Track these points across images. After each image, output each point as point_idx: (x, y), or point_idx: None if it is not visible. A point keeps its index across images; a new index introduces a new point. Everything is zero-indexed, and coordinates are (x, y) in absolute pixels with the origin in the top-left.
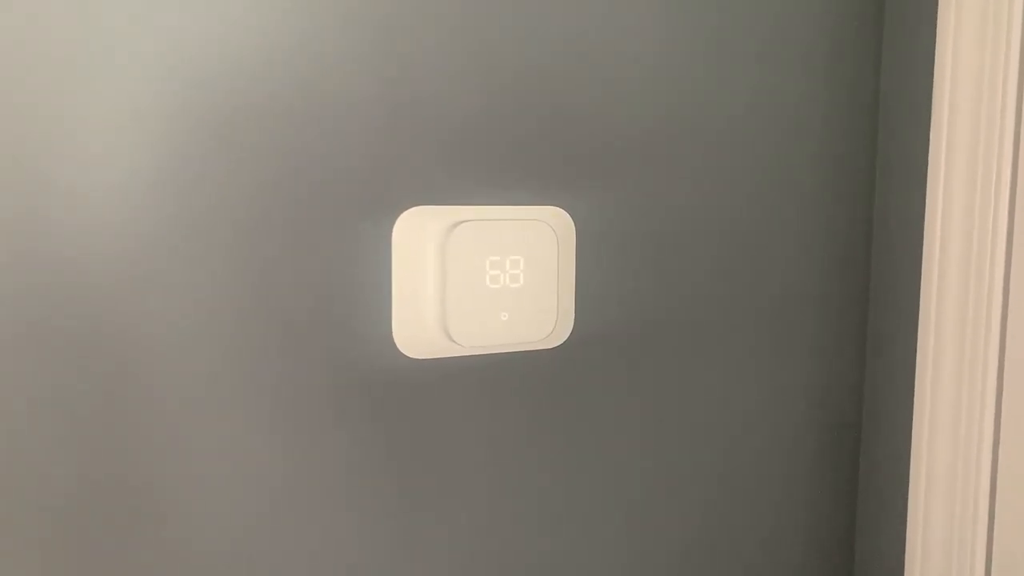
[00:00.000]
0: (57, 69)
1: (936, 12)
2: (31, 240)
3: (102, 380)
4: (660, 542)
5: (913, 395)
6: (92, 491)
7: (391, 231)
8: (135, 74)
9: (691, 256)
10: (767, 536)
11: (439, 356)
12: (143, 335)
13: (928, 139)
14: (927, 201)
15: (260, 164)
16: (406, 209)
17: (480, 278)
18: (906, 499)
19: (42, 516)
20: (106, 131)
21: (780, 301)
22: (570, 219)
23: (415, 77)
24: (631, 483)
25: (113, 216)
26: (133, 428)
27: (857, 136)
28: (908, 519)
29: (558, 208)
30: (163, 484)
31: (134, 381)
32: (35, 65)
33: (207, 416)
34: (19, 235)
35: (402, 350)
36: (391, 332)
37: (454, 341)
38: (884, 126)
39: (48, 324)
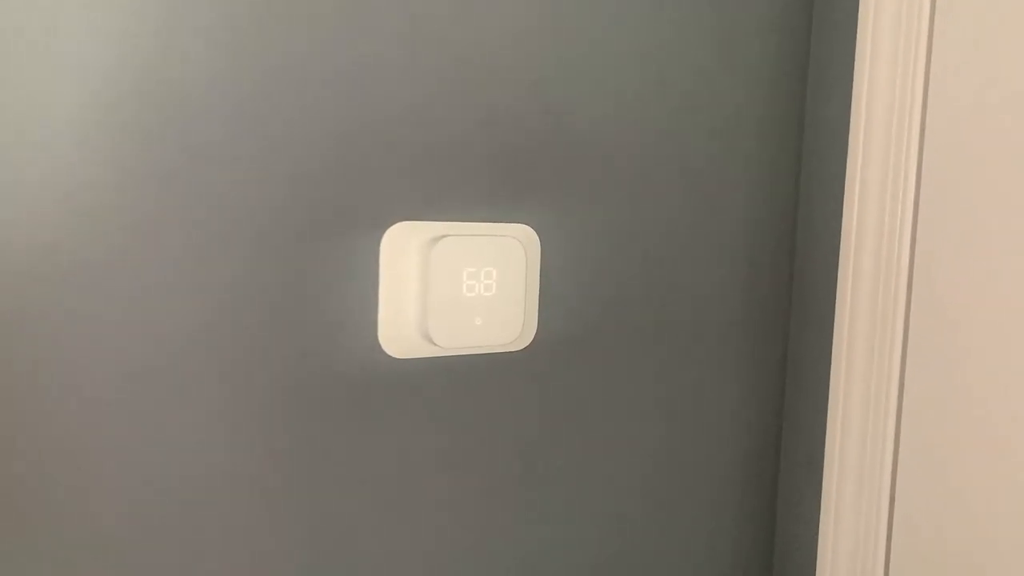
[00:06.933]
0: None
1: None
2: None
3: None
4: (589, 530)
5: (827, 401)
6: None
7: (379, 243)
8: (119, 81)
9: (636, 271)
10: (696, 531)
11: (419, 356)
12: (138, 333)
13: (845, 166)
14: (843, 224)
15: (267, 181)
16: (392, 224)
17: (458, 287)
18: (819, 496)
19: None
20: (96, 135)
21: (712, 312)
22: (536, 235)
23: (405, 111)
24: (586, 476)
25: (116, 219)
26: (116, 418)
27: (783, 170)
28: (821, 513)
29: (525, 225)
30: (153, 486)
31: (124, 376)
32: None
33: (196, 416)
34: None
35: (386, 350)
36: (377, 334)
37: (433, 343)
38: (806, 156)
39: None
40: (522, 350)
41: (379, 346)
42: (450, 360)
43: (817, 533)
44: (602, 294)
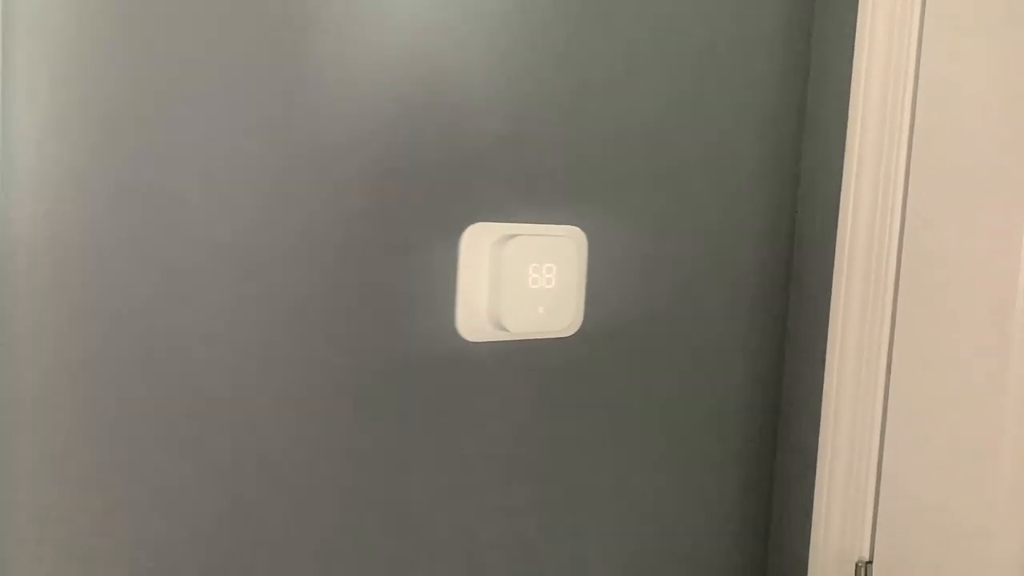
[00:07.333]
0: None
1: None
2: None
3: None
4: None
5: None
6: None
7: (458, 241)
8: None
9: (661, 268)
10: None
11: (490, 340)
12: (234, 325)
13: (842, 168)
14: (839, 216)
15: (367, 186)
16: (469, 225)
17: (524, 280)
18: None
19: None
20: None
21: (722, 304)
22: (584, 235)
23: (480, 129)
24: (620, 444)
25: (222, 218)
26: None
27: (785, 173)
28: (816, 479)
29: (575, 227)
30: (253, 463)
31: (233, 356)
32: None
33: (293, 395)
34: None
35: (462, 335)
36: (455, 320)
37: (504, 328)
38: (806, 161)
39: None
40: (571, 336)
41: (456, 331)
42: (515, 344)
43: (813, 495)
44: (633, 287)
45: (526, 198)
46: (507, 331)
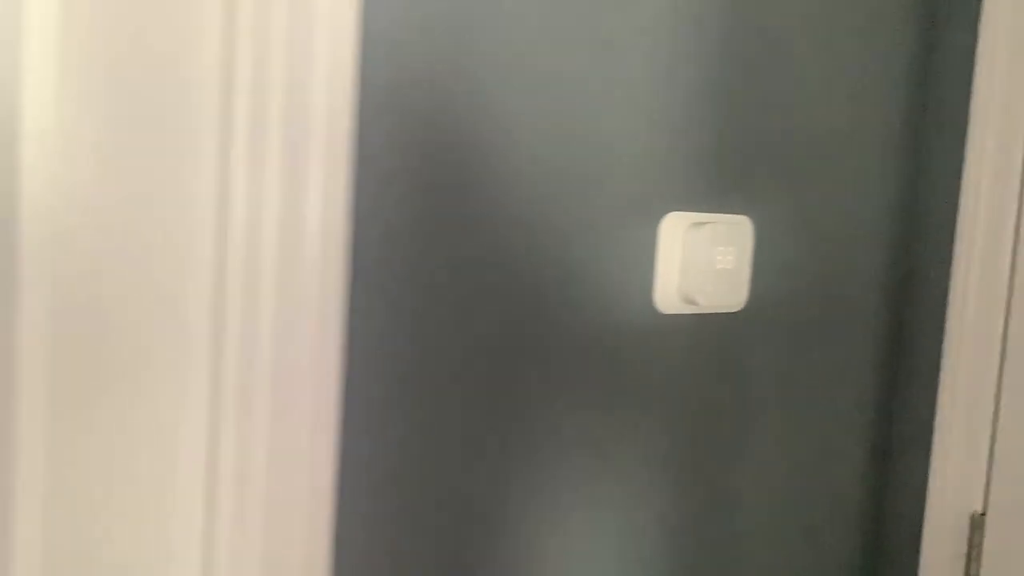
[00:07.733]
0: None
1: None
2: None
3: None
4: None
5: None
6: None
7: (657, 228)
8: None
9: (811, 255)
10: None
11: (678, 312)
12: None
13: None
14: (959, 204)
15: (589, 184)
16: (667, 214)
17: (712, 261)
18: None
19: None
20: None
21: (853, 285)
22: (751, 223)
23: (678, 138)
24: (776, 400)
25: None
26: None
27: (906, 174)
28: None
29: (744, 216)
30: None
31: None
32: None
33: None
34: None
35: (658, 308)
36: (652, 295)
37: (693, 302)
38: (923, 162)
39: None
40: (738, 311)
41: (653, 304)
42: (696, 316)
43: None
44: (784, 270)
45: (708, 192)
46: (695, 304)
